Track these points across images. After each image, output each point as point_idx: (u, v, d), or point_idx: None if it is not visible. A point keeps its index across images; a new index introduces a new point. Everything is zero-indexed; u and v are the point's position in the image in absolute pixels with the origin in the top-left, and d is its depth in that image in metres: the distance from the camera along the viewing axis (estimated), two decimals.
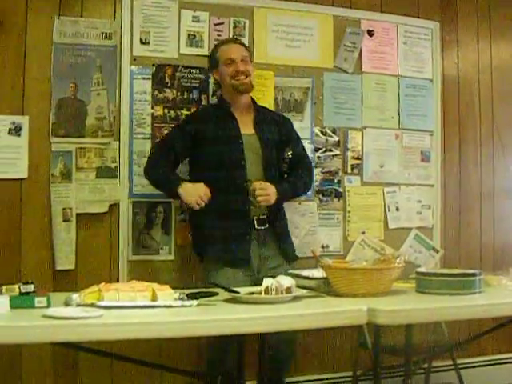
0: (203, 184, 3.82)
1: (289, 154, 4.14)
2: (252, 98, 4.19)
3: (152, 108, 4.35)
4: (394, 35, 4.99)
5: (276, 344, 3.73)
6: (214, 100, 4.43)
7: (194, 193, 3.80)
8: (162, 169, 3.98)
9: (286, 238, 4.16)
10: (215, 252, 3.91)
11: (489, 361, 5.20)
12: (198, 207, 3.80)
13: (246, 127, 4.06)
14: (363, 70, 4.87)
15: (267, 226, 3.96)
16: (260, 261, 3.91)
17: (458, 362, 4.47)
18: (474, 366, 5.08)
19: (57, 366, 4.12)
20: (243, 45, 4.17)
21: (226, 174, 3.93)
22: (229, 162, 3.94)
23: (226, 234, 3.89)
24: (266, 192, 3.85)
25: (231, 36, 4.50)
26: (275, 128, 4.15)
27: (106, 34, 4.25)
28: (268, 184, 3.89)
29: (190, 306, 2.74)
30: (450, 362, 4.46)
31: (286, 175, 4.17)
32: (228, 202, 3.91)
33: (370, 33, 4.90)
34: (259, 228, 3.93)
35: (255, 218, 3.92)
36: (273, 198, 3.88)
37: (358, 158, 4.81)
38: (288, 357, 4.09)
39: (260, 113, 4.17)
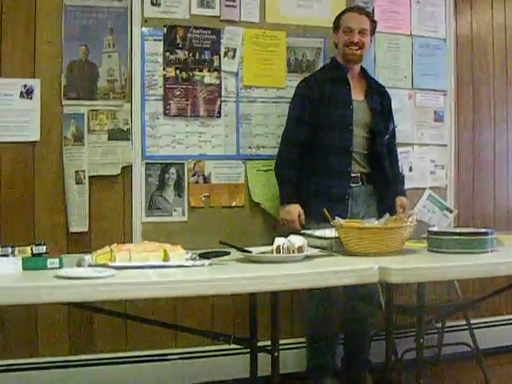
0: (298, 210, 4.13)
1: (392, 127, 4.46)
2: (362, 67, 4.36)
3: (164, 69, 4.33)
4: None
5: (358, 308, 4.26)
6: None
7: (287, 217, 4.14)
8: (289, 171, 4.18)
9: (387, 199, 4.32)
10: (315, 206, 3.99)
11: (502, 321, 5.21)
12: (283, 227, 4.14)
13: (357, 94, 4.28)
14: (376, 29, 4.81)
15: (359, 184, 4.21)
16: (351, 218, 3.90)
17: (472, 321, 4.47)
18: (487, 326, 5.09)
19: (72, 327, 4.15)
20: (368, 16, 4.33)
21: (334, 135, 4.15)
22: (338, 125, 4.16)
23: (327, 191, 4.10)
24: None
25: None
26: (380, 98, 4.37)
27: None
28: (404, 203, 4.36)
29: (202, 265, 2.75)
30: (464, 322, 4.46)
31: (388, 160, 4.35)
32: (333, 163, 4.14)
33: None
34: (353, 185, 4.17)
35: (354, 175, 4.19)
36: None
37: None
38: (370, 320, 4.37)
39: (370, 81, 4.37)
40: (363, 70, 4.38)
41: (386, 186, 4.29)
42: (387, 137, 4.38)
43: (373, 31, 4.32)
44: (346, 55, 4.22)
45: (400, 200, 4.33)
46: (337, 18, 4.30)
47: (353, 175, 4.17)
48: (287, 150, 4.21)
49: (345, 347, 4.38)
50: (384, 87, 4.50)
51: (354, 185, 4.16)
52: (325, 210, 3.29)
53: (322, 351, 4.24)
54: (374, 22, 4.33)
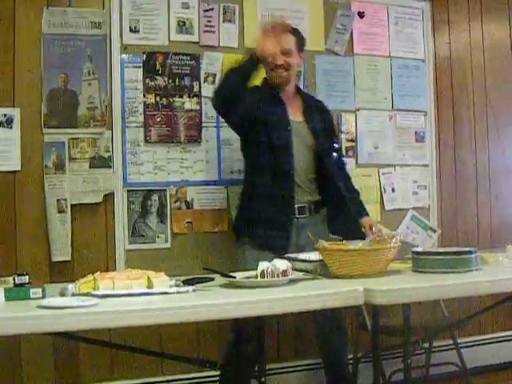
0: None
1: (337, 144, 4.28)
2: (296, 85, 4.20)
3: (144, 96, 4.33)
4: (384, 16, 4.99)
5: (327, 333, 4.03)
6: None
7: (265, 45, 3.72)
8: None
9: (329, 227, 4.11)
10: (255, 235, 3.89)
11: (489, 339, 5.21)
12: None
13: (295, 114, 4.04)
14: (355, 51, 4.86)
15: (307, 214, 3.97)
16: (297, 249, 3.75)
17: (459, 341, 4.48)
18: (474, 345, 5.10)
19: (57, 357, 4.11)
20: (293, 33, 4.01)
21: (273, 158, 3.91)
22: (277, 147, 3.92)
23: (268, 218, 3.88)
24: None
25: (221, 21, 4.50)
26: (320, 116, 4.15)
27: (96, 23, 4.23)
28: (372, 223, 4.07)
29: (186, 292, 2.73)
30: (451, 342, 4.47)
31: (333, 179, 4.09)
32: (274, 188, 3.90)
33: (361, 14, 4.89)
34: (299, 216, 3.94)
35: (297, 206, 3.94)
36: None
37: (352, 141, 4.82)
38: (343, 343, 4.12)
39: (307, 100, 4.17)
40: (298, 89, 4.21)
41: (343, 207, 4.07)
42: (335, 155, 4.19)
43: (301, 48, 4.04)
44: (272, 78, 4.00)
45: (366, 221, 4.08)
46: None
47: (300, 205, 3.95)
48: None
49: (326, 373, 4.23)
50: (322, 103, 4.32)
51: (300, 216, 3.94)
52: (308, 232, 3.27)
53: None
54: (300, 38, 4.04)
